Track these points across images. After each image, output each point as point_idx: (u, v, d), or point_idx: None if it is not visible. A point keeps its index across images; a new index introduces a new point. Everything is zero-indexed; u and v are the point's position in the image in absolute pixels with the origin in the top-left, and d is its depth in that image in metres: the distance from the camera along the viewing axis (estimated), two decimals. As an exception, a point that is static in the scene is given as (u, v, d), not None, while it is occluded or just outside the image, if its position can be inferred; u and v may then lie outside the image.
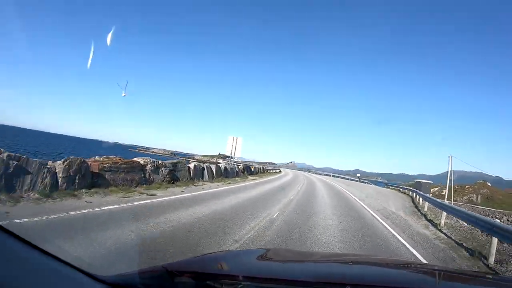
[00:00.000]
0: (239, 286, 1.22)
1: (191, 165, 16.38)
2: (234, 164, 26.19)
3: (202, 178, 17.08)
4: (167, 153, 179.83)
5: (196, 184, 15.05)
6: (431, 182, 41.66)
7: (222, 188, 15.06)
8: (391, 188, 41.95)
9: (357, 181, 61.19)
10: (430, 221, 13.02)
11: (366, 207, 15.10)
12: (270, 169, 50.32)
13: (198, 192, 12.41)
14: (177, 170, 14.46)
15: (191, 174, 15.81)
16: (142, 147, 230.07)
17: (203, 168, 17.56)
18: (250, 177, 27.20)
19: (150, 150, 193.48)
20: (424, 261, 6.55)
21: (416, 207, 18.48)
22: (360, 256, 4.35)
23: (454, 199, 37.43)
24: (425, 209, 16.31)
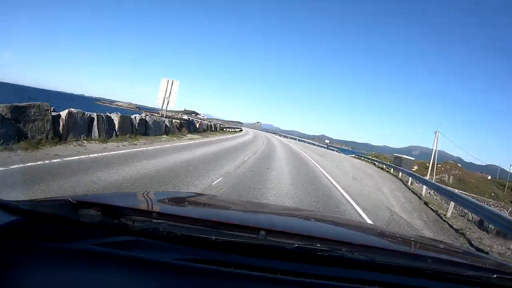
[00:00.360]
0: (151, 223, 1.16)
1: (63, 114, 9.83)
2: (163, 118, 20.08)
3: (90, 134, 11.20)
4: (131, 106, 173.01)
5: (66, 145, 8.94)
6: (413, 159, 35.29)
7: (111, 153, 9.12)
8: (364, 161, 36.44)
9: (324, 147, 58.03)
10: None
11: (356, 204, 9.00)
12: (228, 128, 44.74)
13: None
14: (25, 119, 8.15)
15: (60, 128, 9.45)
16: (107, 100, 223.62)
17: (91, 119, 11.20)
18: (190, 136, 21.34)
19: (115, 103, 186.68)
20: None
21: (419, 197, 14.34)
22: (302, 210, 4.47)
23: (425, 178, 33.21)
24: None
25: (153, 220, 1.19)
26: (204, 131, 27.18)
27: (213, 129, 31.24)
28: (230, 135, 32.40)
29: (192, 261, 1.06)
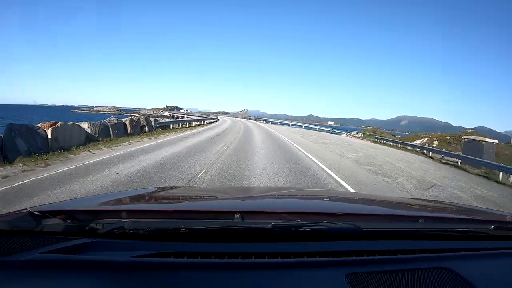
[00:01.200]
0: (116, 222, 1.10)
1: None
2: (124, 120, 17.22)
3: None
4: (112, 110, 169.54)
5: None
6: (495, 141, 20.57)
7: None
8: (381, 144, 27.90)
9: (329, 131, 44.98)
10: None
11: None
12: (198, 120, 37.38)
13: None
14: None
15: None
16: (84, 106, 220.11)
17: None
18: (146, 138, 15.94)
19: (94, 109, 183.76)
20: None
21: None
22: (283, 189, 4.43)
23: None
24: None
25: (121, 220, 1.11)
26: (164, 129, 22.61)
27: (180, 125, 27.58)
28: (196, 130, 24.63)
29: (155, 256, 1.01)
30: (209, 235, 1.09)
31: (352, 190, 7.68)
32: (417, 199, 4.18)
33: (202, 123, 36.51)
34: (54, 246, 1.00)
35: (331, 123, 60.80)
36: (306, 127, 54.51)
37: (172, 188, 3.21)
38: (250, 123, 54.04)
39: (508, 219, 1.56)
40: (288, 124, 58.37)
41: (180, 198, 2.05)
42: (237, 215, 1.13)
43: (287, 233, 1.13)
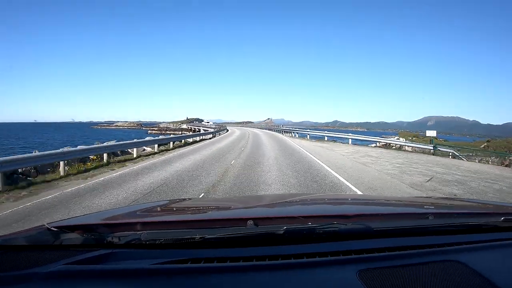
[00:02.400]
0: (132, 234, 1.14)
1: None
2: None
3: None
4: (132, 125, 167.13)
5: None
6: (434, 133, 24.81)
7: None
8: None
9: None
10: None
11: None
12: (199, 135, 30.77)
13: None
14: None
15: None
16: (103, 123, 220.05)
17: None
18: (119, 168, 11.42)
19: (114, 124, 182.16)
20: None
21: None
22: (293, 195, 4.43)
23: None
24: None
25: (137, 232, 1.15)
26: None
27: (173, 145, 21.40)
28: (181, 151, 18.10)
29: (173, 263, 1.05)
30: (223, 242, 1.12)
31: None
32: (425, 197, 4.76)
33: (204, 137, 31.60)
34: (76, 258, 1.04)
35: (433, 133, 27.49)
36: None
37: (185, 199, 3.10)
38: (265, 137, 39.73)
39: None
40: (324, 137, 33.13)
41: (193, 208, 2.08)
42: (250, 222, 1.16)
43: (299, 236, 1.16)
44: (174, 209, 2.03)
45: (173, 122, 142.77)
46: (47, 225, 1.16)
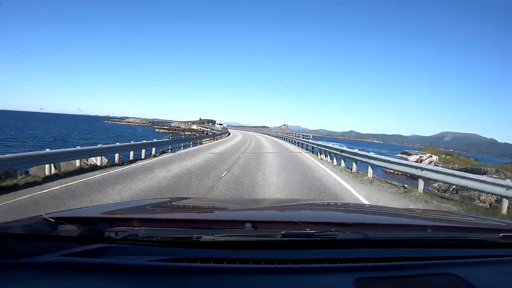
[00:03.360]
0: (129, 230, 1.14)
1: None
2: None
3: None
4: (144, 122, 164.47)
5: None
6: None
7: None
8: None
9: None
10: None
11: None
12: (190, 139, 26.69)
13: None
14: None
15: None
16: (115, 117, 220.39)
17: None
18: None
19: (125, 120, 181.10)
20: None
21: None
22: (292, 201, 4.39)
23: None
24: None
25: (135, 228, 1.15)
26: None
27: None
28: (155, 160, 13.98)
29: (169, 261, 1.05)
30: (221, 243, 1.11)
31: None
32: (425, 209, 4.78)
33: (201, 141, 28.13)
34: (73, 250, 1.05)
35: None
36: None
37: (184, 198, 3.19)
38: (274, 159, 35.62)
39: None
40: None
41: (192, 207, 2.07)
42: (248, 224, 1.17)
43: (297, 242, 1.15)
44: (173, 207, 1.98)
45: (184, 122, 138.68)
46: (45, 215, 1.16)
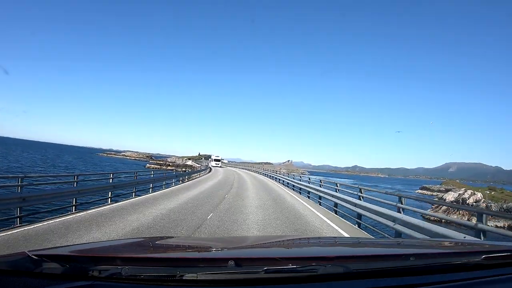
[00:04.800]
0: (113, 268, 1.14)
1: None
2: None
3: None
4: (141, 156, 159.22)
5: None
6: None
7: None
8: None
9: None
10: None
11: None
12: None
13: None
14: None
15: None
16: (111, 150, 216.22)
17: None
18: None
19: (121, 153, 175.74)
20: None
21: None
22: (274, 237, 4.15)
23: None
24: None
25: (118, 266, 1.15)
26: None
27: None
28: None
29: None
30: (204, 281, 1.12)
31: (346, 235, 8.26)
32: (408, 239, 4.98)
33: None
34: (56, 287, 1.06)
35: None
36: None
37: (168, 237, 3.28)
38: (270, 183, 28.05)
39: (497, 249, 1.60)
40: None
41: (176, 246, 2.11)
42: (231, 262, 1.15)
43: (280, 278, 1.16)
44: (157, 246, 1.99)
45: (182, 157, 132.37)
46: (28, 252, 1.15)
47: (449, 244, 2.16)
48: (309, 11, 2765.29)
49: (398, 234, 7.11)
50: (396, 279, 1.21)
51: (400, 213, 7.63)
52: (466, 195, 35.39)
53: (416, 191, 72.46)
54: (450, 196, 36.84)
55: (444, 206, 26.87)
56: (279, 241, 2.45)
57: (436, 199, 45.55)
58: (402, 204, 7.72)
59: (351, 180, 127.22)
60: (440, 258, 1.47)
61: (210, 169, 48.12)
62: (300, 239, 2.89)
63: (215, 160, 74.77)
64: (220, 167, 67.41)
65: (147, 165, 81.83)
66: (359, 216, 10.04)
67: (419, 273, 1.25)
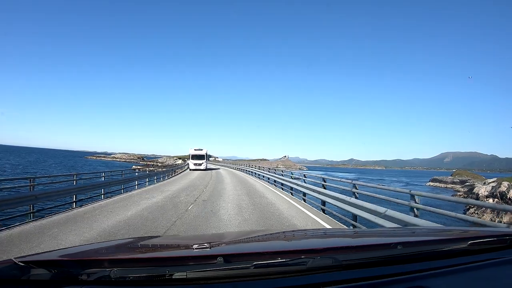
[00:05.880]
0: (102, 271, 1.13)
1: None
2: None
3: None
4: (131, 157, 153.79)
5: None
6: None
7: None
8: None
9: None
10: None
11: None
12: None
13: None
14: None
15: None
16: (100, 153, 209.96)
17: None
18: None
19: (111, 155, 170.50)
20: None
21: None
22: (261, 231, 4.45)
23: None
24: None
25: (106, 269, 1.14)
26: None
27: None
28: None
29: None
30: (193, 279, 1.12)
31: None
32: (395, 228, 4.91)
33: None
34: None
35: None
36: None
37: (155, 237, 3.19)
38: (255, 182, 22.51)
39: (482, 235, 1.63)
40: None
41: (163, 245, 2.08)
42: (220, 259, 1.16)
43: (269, 272, 1.16)
44: (144, 246, 1.95)
45: (173, 157, 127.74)
46: (14, 260, 1.14)
47: (435, 232, 2.18)
48: (295, 5, 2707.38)
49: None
50: (385, 268, 1.23)
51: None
52: (503, 188, 29.73)
53: (427, 184, 67.31)
54: (482, 190, 31.10)
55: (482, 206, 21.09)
56: (267, 234, 2.42)
57: (461, 193, 39.99)
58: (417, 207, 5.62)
59: (352, 175, 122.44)
60: (426, 245, 1.49)
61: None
62: (288, 231, 2.90)
63: (195, 156, 41.06)
64: (206, 169, 40.51)
65: (133, 166, 75.46)
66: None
67: (407, 261, 1.28)
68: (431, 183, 64.95)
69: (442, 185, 60.00)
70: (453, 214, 5.13)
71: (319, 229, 5.65)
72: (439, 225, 4.99)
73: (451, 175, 67.42)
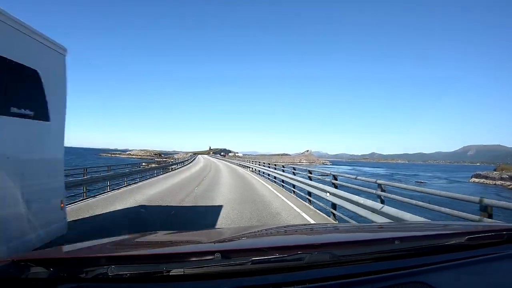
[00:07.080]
0: (99, 268, 1.14)
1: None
2: None
3: None
4: (148, 154, 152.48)
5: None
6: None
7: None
8: None
9: None
10: None
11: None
12: None
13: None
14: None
15: None
16: (116, 150, 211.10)
17: None
18: None
19: (127, 152, 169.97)
20: None
21: None
22: (258, 227, 4.56)
23: None
24: None
25: (104, 266, 1.14)
26: None
27: None
28: None
29: None
30: (191, 275, 1.12)
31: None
32: (392, 223, 4.77)
33: None
34: None
35: None
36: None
37: (152, 233, 2.71)
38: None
39: (479, 229, 1.66)
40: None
41: (160, 242, 2.06)
42: (217, 255, 1.16)
43: (266, 268, 1.16)
44: (141, 242, 1.95)
45: (188, 152, 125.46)
46: (13, 258, 1.15)
47: (433, 227, 2.19)
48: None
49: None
50: (383, 263, 1.23)
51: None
52: None
53: (470, 180, 59.42)
54: None
55: None
56: (265, 230, 2.39)
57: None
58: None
59: (382, 169, 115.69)
60: (424, 240, 1.48)
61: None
62: (285, 227, 2.96)
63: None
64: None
65: (144, 163, 71.35)
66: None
67: (404, 256, 1.28)
68: (475, 179, 57.55)
69: (489, 181, 52.55)
70: None
71: (316, 224, 5.55)
72: (440, 221, 4.52)
73: (494, 170, 60.09)
